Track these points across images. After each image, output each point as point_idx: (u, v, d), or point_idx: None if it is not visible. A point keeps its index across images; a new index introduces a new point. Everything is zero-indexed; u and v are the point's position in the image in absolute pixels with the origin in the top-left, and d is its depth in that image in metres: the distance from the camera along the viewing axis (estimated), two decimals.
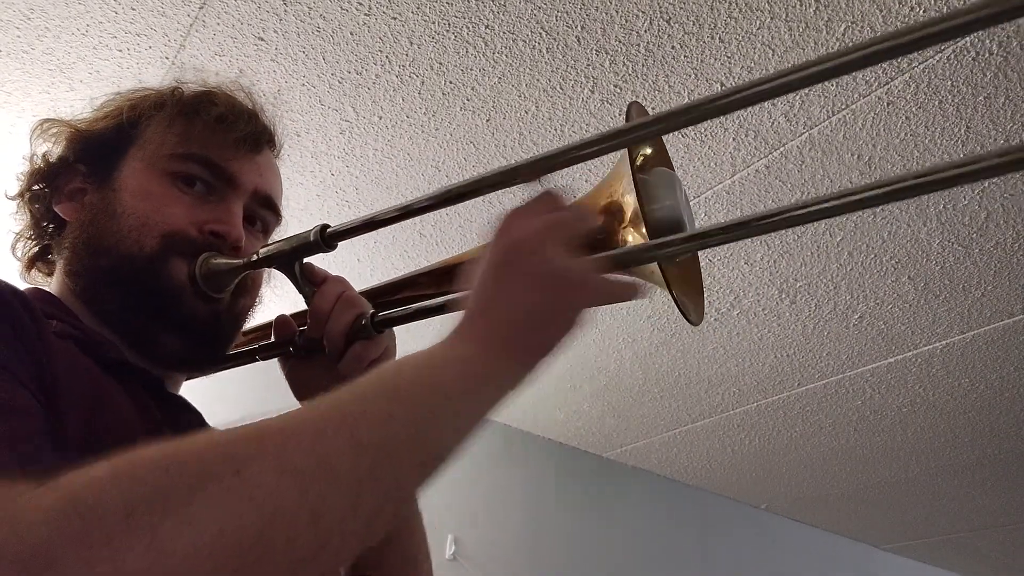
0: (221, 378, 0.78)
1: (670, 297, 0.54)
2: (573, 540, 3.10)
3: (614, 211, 0.56)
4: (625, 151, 0.55)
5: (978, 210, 1.79)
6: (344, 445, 0.38)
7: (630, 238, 0.55)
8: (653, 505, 3.38)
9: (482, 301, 0.49)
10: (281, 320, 0.73)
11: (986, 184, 1.71)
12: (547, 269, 0.49)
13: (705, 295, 2.40)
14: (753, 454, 3.14)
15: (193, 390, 0.74)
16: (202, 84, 0.72)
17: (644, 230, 0.54)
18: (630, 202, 0.55)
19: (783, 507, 3.68)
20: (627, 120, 0.53)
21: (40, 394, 0.46)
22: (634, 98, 1.58)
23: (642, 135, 0.50)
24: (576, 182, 1.77)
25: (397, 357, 0.49)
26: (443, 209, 1.91)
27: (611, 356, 2.52)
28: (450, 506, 2.75)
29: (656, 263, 0.53)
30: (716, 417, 2.87)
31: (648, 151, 0.62)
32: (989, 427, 2.75)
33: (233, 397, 1.44)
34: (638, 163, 0.59)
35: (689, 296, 0.59)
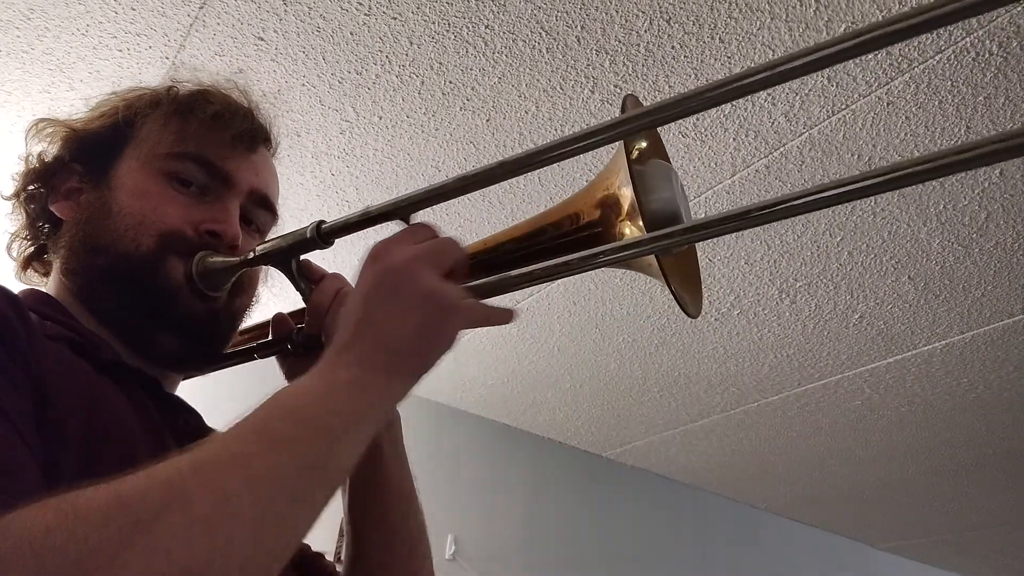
0: (219, 376, 0.78)
1: (667, 289, 0.54)
2: (572, 539, 3.10)
3: (611, 204, 0.56)
4: (621, 144, 0.55)
5: (978, 210, 1.79)
6: (241, 484, 0.40)
7: (627, 230, 0.55)
8: (653, 505, 3.38)
9: (360, 325, 0.51)
10: (279, 318, 0.73)
11: (986, 184, 1.71)
12: (422, 291, 0.51)
13: (705, 295, 2.40)
14: (752, 454, 3.14)
15: (192, 388, 0.74)
16: (197, 83, 0.72)
17: (641, 222, 0.53)
18: (627, 194, 0.55)
19: (782, 507, 3.69)
20: (622, 112, 0.53)
21: (30, 405, 0.46)
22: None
23: (637, 127, 0.50)
24: (575, 176, 1.77)
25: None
26: (443, 212, 1.92)
27: (611, 356, 2.52)
28: (450, 506, 2.75)
29: (654, 255, 0.53)
30: (715, 417, 2.88)
31: (644, 144, 0.61)
32: (989, 427, 2.75)
33: (230, 395, 1.43)
34: (634, 156, 0.59)
35: (687, 288, 0.58)
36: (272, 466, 0.42)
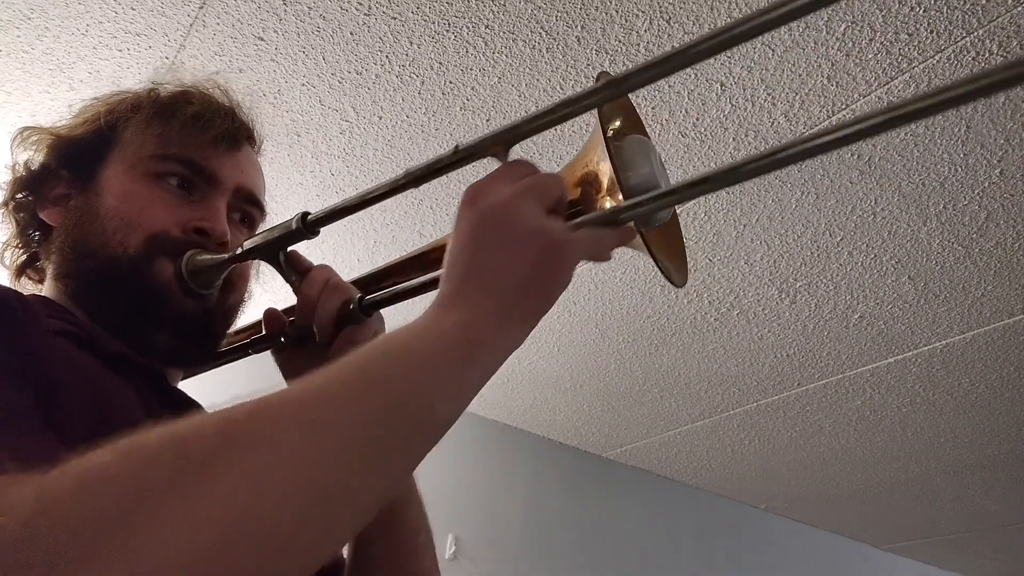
0: (219, 372, 0.79)
1: (652, 261, 0.54)
2: (573, 540, 3.10)
3: (591, 180, 0.56)
4: (597, 121, 0.55)
5: (978, 210, 1.79)
6: (331, 416, 0.39)
7: (608, 206, 0.55)
8: (653, 505, 3.38)
9: (466, 268, 0.48)
10: (270, 313, 0.74)
11: (986, 184, 1.71)
12: (528, 230, 0.48)
13: (705, 295, 2.38)
14: (753, 454, 3.14)
15: (191, 384, 0.74)
16: (179, 84, 0.73)
17: (621, 197, 0.53)
18: (605, 170, 0.55)
19: (783, 507, 3.68)
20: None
21: (37, 396, 0.46)
22: (633, 98, 1.57)
23: (609, 95, 0.49)
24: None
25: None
26: (443, 210, 1.92)
27: (611, 356, 2.52)
28: (451, 505, 2.75)
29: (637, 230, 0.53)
30: (716, 417, 2.87)
31: (619, 121, 0.61)
32: (989, 427, 2.74)
33: (228, 392, 1.43)
34: (610, 133, 0.59)
35: (672, 259, 0.59)
36: (362, 406, 0.40)
